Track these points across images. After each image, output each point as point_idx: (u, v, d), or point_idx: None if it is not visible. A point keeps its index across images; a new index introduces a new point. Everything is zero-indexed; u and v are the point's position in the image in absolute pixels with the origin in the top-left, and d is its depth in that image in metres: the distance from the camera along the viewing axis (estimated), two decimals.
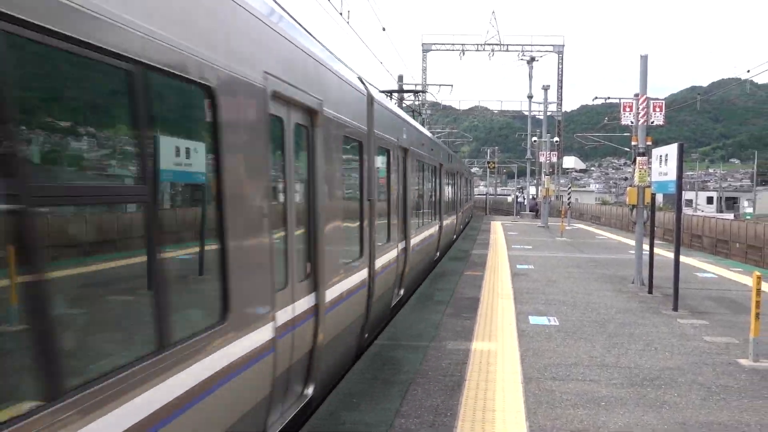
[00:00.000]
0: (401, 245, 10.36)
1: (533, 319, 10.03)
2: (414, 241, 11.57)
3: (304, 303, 5.28)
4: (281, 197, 4.89)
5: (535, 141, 41.61)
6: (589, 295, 12.40)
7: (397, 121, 10.16)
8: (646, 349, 8.40)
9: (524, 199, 51.76)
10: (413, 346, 8.29)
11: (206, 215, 3.74)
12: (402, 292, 10.74)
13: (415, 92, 25.70)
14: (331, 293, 5.90)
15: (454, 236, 22.95)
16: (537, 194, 54.56)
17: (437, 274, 15.05)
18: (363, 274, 7.42)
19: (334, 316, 6.04)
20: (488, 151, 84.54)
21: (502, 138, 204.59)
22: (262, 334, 4.22)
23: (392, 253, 9.48)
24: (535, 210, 46.64)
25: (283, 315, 4.73)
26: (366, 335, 8.08)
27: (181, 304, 3.38)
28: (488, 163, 66.63)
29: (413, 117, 19.91)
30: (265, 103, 4.29)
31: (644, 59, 13.16)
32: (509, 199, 72.21)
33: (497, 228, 32.41)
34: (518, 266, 16.51)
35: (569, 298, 12.04)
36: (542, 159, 36.75)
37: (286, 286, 4.89)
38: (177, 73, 3.22)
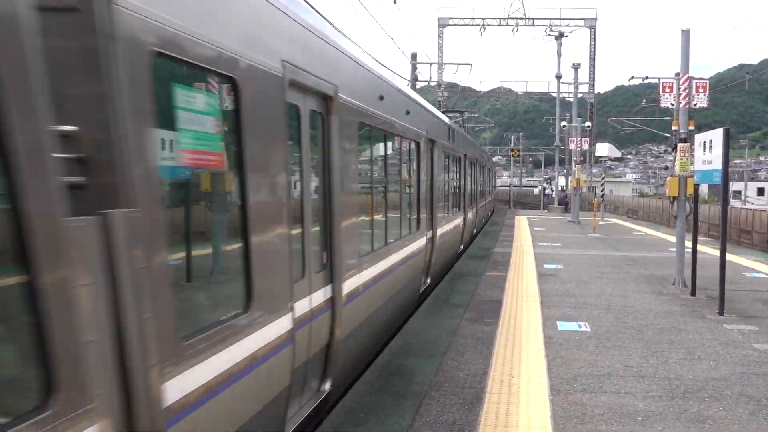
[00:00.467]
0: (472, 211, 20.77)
1: (562, 325, 10.02)
2: (475, 208, 22.50)
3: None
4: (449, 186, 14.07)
5: (564, 126, 41.47)
6: (625, 297, 12.38)
7: (472, 143, 22.38)
8: (688, 357, 8.36)
9: (552, 191, 51.59)
10: (427, 355, 8.30)
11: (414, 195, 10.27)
12: (475, 231, 22.59)
13: (461, 112, 37.13)
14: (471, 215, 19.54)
15: (490, 213, 35.00)
16: (566, 186, 54.40)
17: (455, 275, 15.05)
18: (460, 219, 17.13)
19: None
20: (512, 137, 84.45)
21: (528, 123, 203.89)
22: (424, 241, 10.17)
23: (473, 211, 21.30)
24: (564, 203, 46.51)
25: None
26: (461, 249, 18.62)
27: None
28: (512, 150, 66.59)
29: (460, 126, 30.14)
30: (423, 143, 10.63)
31: (686, 34, 13.05)
32: (535, 191, 72.10)
33: (522, 223, 32.36)
34: (545, 266, 16.50)
35: (602, 301, 12.02)
36: (572, 146, 36.62)
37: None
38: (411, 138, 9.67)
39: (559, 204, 47.22)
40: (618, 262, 17.61)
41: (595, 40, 56.22)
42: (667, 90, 13.42)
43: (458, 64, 39.58)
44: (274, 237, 4.60)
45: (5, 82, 2.29)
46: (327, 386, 6.10)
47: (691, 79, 13.21)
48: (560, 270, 15.85)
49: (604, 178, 37.56)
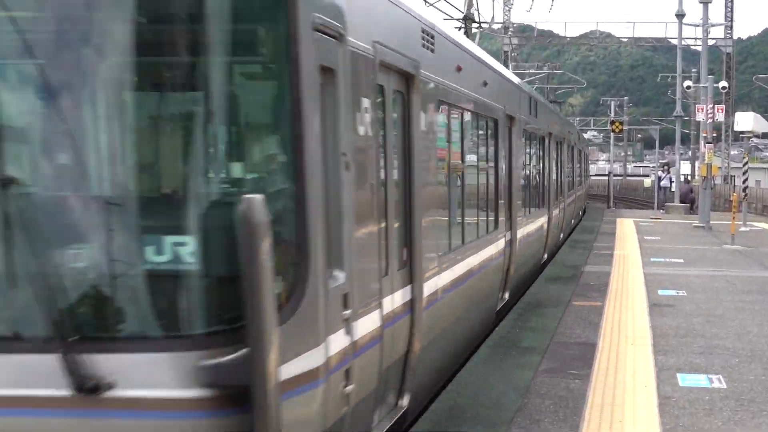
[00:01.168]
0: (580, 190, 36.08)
1: (685, 379, 9.94)
2: (562, 205, 26.38)
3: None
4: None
5: (688, 87, 41.13)
6: None
7: (557, 116, 29.98)
8: None
9: (671, 182, 51.20)
10: (486, 423, 8.26)
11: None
12: (561, 236, 26.60)
13: (559, 103, 43.16)
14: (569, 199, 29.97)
15: (581, 213, 40.86)
16: (692, 175, 53.87)
17: (528, 304, 14.97)
18: (544, 219, 20.61)
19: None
20: (612, 103, 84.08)
21: (635, 83, 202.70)
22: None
23: (558, 210, 24.91)
24: (689, 200, 46.16)
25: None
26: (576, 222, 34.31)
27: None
28: (612, 123, 66.02)
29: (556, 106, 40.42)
30: (501, 121, 13.78)
31: None
32: (647, 182, 71.68)
33: (626, 230, 32.20)
34: (660, 292, 16.42)
35: (744, 344, 11.92)
36: (700, 117, 36.29)
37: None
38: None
39: (681, 201, 46.86)
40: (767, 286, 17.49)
41: None
42: None
43: None
44: (372, 232, 6.59)
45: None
46: (405, 402, 7.59)
47: None
48: (682, 298, 15.75)
49: (747, 163, 37.17)
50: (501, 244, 13.56)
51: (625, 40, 67.81)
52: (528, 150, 18.47)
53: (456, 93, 10.25)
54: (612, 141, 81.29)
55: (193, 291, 4.74)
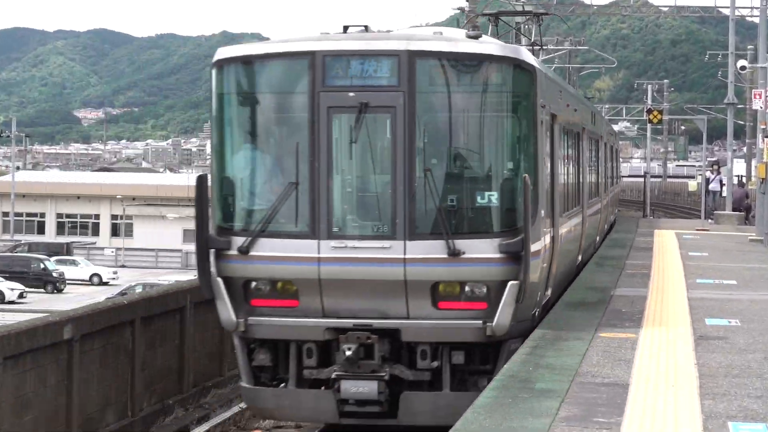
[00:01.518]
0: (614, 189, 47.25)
1: (738, 429, 9.92)
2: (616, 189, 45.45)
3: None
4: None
5: (743, 68, 41.25)
6: None
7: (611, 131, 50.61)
8: None
9: (721, 184, 51.35)
10: None
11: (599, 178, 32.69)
12: (615, 214, 47.34)
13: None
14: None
15: (610, 222, 44.80)
16: (748, 176, 53.91)
17: (543, 338, 14.94)
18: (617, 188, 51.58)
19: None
20: (649, 87, 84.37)
21: (678, 62, 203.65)
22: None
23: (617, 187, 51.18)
24: (744, 208, 46.26)
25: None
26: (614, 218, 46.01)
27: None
28: (649, 112, 66.35)
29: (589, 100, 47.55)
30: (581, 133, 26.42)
31: None
32: (692, 184, 71.91)
33: (666, 244, 32.34)
34: (708, 321, 16.51)
35: None
36: (758, 105, 36.39)
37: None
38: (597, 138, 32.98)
39: (734, 209, 46.96)
40: None
41: None
42: None
43: None
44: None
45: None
46: (549, 293, 17.58)
47: None
48: (735, 329, 15.84)
49: None
50: (579, 218, 23.13)
51: (666, 9, 68.19)
52: (590, 151, 27.70)
53: (567, 119, 20.64)
54: (649, 134, 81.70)
55: (498, 214, 15.34)
